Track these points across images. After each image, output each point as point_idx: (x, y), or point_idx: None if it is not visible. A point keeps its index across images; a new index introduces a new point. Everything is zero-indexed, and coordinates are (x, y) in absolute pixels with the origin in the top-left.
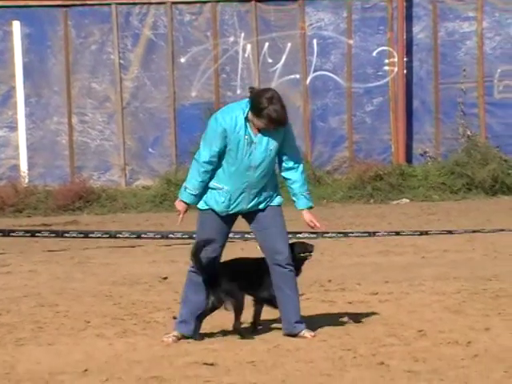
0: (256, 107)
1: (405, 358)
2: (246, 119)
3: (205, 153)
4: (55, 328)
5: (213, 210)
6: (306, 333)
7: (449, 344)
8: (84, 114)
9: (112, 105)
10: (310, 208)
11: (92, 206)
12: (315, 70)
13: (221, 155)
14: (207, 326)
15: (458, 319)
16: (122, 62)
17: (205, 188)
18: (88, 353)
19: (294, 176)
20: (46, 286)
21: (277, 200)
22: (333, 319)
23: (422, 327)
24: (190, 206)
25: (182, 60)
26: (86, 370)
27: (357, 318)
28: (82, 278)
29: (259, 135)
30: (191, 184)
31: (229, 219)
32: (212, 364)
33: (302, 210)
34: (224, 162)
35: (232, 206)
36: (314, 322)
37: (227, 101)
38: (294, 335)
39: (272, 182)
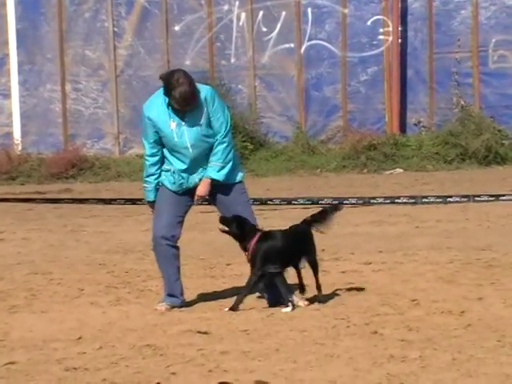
0: (167, 91)
1: (398, 327)
2: (169, 104)
3: (146, 147)
4: (49, 296)
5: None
6: (300, 301)
7: (442, 313)
8: (77, 82)
9: (106, 73)
10: (210, 179)
11: (85, 174)
12: (310, 39)
13: (161, 143)
14: (200, 295)
15: (451, 289)
16: (115, 29)
17: (159, 179)
18: (81, 320)
19: (215, 147)
20: (39, 254)
21: (237, 176)
22: (326, 289)
23: (416, 297)
24: None
25: (176, 28)
26: (79, 338)
27: (350, 287)
28: (76, 246)
29: (187, 115)
30: (146, 182)
31: (187, 193)
32: (205, 332)
33: (204, 178)
34: (165, 147)
35: (184, 185)
36: (308, 292)
37: (222, 69)
38: (281, 303)
39: None
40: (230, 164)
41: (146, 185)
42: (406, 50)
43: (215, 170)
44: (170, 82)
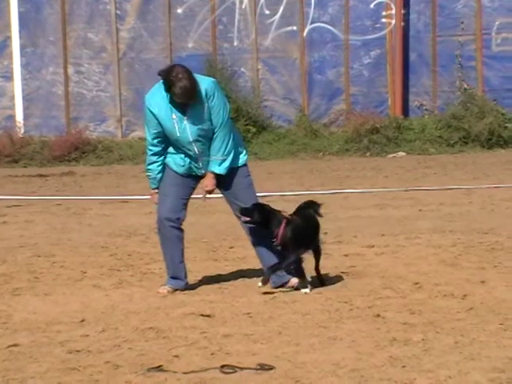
0: (167, 86)
1: (401, 310)
2: (171, 100)
3: (148, 136)
4: (52, 278)
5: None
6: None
7: (444, 296)
8: (80, 65)
9: (108, 55)
10: (214, 173)
11: (88, 157)
12: (312, 22)
13: (164, 135)
14: (203, 278)
15: (453, 272)
16: (118, 12)
17: (162, 167)
18: (84, 303)
19: (213, 141)
20: (42, 237)
21: (240, 160)
22: (329, 271)
23: (418, 280)
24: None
25: (179, 11)
26: (82, 320)
27: (353, 270)
28: (79, 229)
29: (189, 110)
30: (148, 170)
31: (192, 176)
32: (208, 315)
33: (207, 172)
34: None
35: (192, 170)
36: (311, 275)
37: (224, 52)
38: (284, 284)
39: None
40: (231, 156)
41: (148, 173)
42: (408, 33)
43: (217, 164)
44: (169, 77)
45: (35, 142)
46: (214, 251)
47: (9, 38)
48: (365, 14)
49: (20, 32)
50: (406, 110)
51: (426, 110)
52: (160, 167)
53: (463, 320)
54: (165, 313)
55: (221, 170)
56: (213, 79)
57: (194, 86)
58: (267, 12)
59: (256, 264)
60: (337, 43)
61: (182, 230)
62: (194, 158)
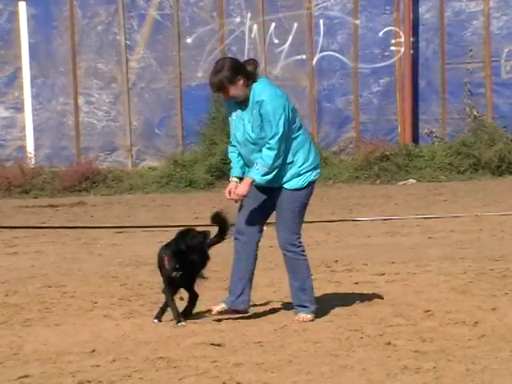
0: None
1: (412, 338)
2: None
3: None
4: (62, 309)
5: None
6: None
7: (456, 324)
8: (90, 95)
9: (118, 85)
10: (252, 180)
11: (98, 187)
12: (322, 51)
13: None
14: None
15: (464, 299)
16: (127, 42)
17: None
18: (95, 333)
19: (263, 149)
20: (52, 267)
21: (291, 183)
22: (339, 300)
23: (429, 307)
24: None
25: (188, 40)
26: (93, 351)
27: (363, 298)
28: (89, 259)
29: (245, 111)
30: (229, 158)
31: (261, 191)
32: (219, 344)
33: (246, 177)
34: None
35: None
36: (321, 303)
37: None
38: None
39: (285, 162)
40: (275, 171)
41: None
42: (418, 61)
43: (260, 173)
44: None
45: (46, 173)
46: (224, 280)
47: (19, 69)
48: (374, 43)
49: (30, 63)
50: (415, 138)
51: (436, 137)
52: (238, 158)
53: (475, 347)
54: (175, 342)
55: (262, 180)
56: (276, 92)
57: (219, 84)
58: (276, 41)
59: (267, 293)
60: (346, 71)
61: (252, 248)
62: (246, 164)
